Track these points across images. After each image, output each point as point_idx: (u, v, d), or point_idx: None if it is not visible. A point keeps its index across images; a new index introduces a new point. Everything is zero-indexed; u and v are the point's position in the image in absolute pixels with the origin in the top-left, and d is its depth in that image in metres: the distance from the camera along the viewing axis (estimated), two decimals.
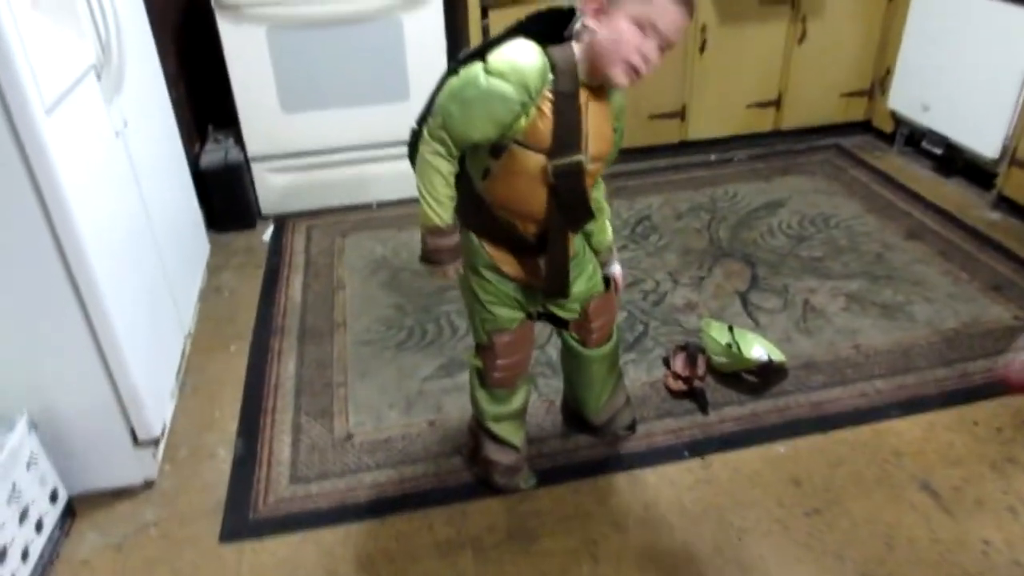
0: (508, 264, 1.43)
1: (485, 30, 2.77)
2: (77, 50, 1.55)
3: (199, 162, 2.74)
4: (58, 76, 1.41)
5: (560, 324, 1.61)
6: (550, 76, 1.22)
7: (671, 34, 1.17)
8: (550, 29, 1.26)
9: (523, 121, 1.23)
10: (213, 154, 2.78)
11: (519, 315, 1.49)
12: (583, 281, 1.52)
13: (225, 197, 2.78)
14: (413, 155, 1.34)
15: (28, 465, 1.53)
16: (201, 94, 3.00)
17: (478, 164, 1.33)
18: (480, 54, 1.24)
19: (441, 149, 1.27)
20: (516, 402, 1.59)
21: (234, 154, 2.78)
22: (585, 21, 1.21)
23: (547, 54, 1.23)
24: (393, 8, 2.64)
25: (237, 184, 2.78)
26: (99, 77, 1.65)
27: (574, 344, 1.63)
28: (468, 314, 1.54)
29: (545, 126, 1.24)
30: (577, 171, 1.28)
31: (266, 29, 2.61)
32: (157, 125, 2.13)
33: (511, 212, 1.36)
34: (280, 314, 2.34)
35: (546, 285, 1.42)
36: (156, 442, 1.75)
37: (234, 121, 2.82)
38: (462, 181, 1.35)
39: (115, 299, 1.55)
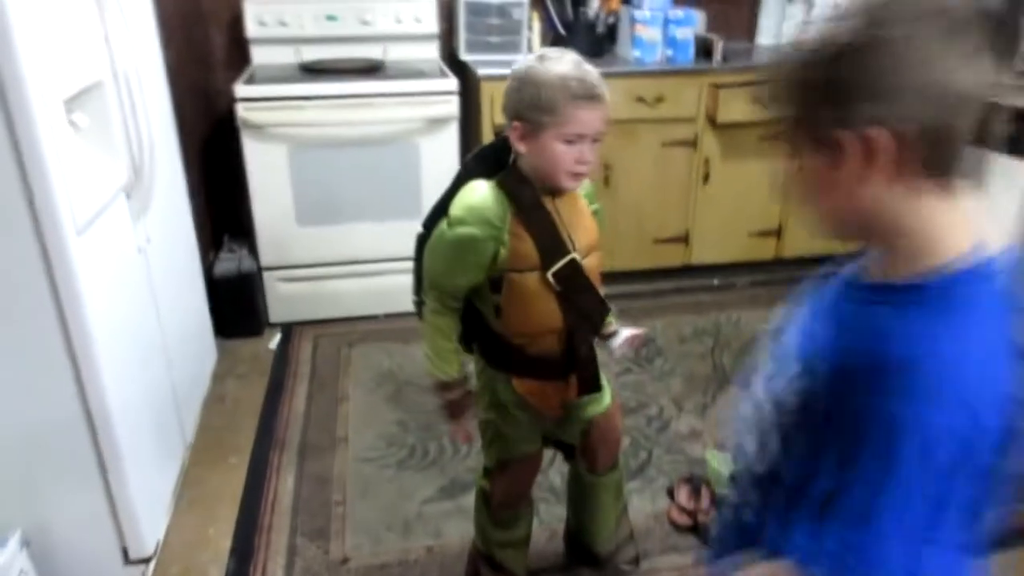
0: (537, 397, 1.43)
1: None
2: (111, 171, 1.62)
3: (212, 270, 2.80)
4: (91, 198, 1.47)
5: (569, 452, 1.61)
6: (507, 202, 1.28)
7: (596, 132, 1.25)
8: (499, 156, 1.34)
9: (503, 251, 1.29)
10: (227, 263, 2.84)
11: (537, 446, 1.51)
12: (588, 402, 1.52)
13: (235, 305, 2.82)
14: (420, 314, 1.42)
15: None
16: (219, 204, 3.10)
17: (486, 305, 1.37)
18: (443, 210, 1.33)
19: (438, 306, 1.35)
20: (520, 529, 1.59)
21: (247, 264, 2.85)
22: (515, 147, 1.28)
23: (500, 182, 1.30)
24: (412, 132, 2.77)
25: (248, 293, 2.83)
26: (128, 196, 1.72)
27: (583, 471, 1.62)
28: (482, 439, 1.54)
29: (526, 246, 1.29)
30: (574, 269, 1.32)
31: (288, 148, 2.73)
32: (178, 239, 2.19)
33: (532, 334, 1.37)
34: (282, 426, 2.33)
35: (579, 385, 1.44)
36: (147, 560, 1.71)
37: (249, 231, 2.91)
38: (481, 326, 1.40)
39: (122, 416, 1.55)
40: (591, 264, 1.36)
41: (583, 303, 1.36)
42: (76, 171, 1.40)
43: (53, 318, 1.40)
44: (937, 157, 0.67)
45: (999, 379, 0.66)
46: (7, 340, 1.40)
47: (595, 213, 1.42)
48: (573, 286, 1.33)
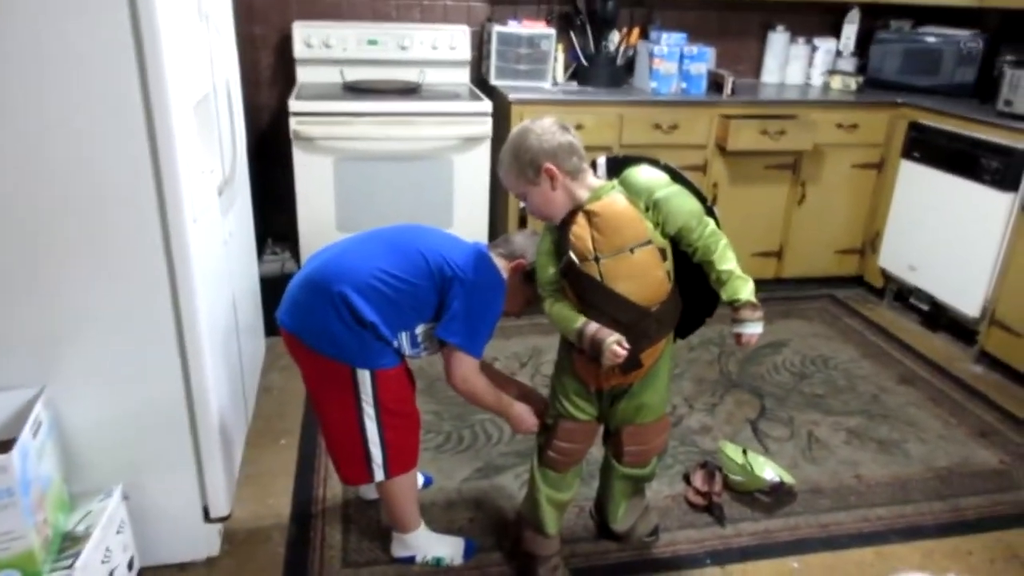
0: (584, 370, 1.69)
1: None
2: (213, 169, 1.84)
3: (258, 270, 3.01)
4: (202, 193, 1.69)
5: (607, 436, 1.85)
6: None
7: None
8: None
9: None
10: (271, 264, 3.06)
11: (583, 415, 1.74)
12: (628, 404, 1.74)
13: (277, 303, 3.01)
14: None
15: (118, 531, 1.68)
16: (262, 212, 3.32)
17: None
18: None
19: (547, 297, 1.67)
20: (564, 493, 1.80)
21: (289, 266, 3.06)
22: None
23: None
24: (447, 150, 3.01)
25: None
26: (220, 193, 1.93)
27: (608, 453, 1.87)
28: (549, 399, 1.81)
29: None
30: (568, 266, 1.57)
31: (333, 160, 2.96)
32: (244, 237, 2.40)
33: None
34: None
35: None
36: (223, 520, 1.90)
37: (289, 236, 3.12)
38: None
39: (215, 388, 1.75)
40: (616, 264, 1.54)
41: (591, 296, 1.58)
42: (195, 167, 1.61)
43: (167, 296, 1.61)
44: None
45: None
46: (125, 314, 1.59)
47: (655, 205, 1.55)
48: (576, 279, 1.59)
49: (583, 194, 1.57)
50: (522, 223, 3.21)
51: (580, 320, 1.60)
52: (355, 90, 3.16)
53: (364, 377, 1.67)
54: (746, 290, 1.56)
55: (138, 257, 1.57)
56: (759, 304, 1.57)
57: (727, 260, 1.57)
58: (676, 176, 1.61)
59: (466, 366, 1.69)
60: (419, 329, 1.71)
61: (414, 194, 3.06)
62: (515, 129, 1.59)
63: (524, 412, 1.82)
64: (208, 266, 1.77)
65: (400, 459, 1.78)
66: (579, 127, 3.02)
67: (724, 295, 1.58)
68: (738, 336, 1.58)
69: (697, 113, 3.23)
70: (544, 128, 1.55)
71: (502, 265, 1.75)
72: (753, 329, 1.57)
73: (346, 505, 2.10)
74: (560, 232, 1.60)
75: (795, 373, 2.88)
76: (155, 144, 1.49)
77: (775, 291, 3.59)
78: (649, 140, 3.16)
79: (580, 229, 1.56)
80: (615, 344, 1.54)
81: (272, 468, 2.26)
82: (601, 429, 1.84)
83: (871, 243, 3.57)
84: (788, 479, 2.15)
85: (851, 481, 2.26)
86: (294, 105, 2.89)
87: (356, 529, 2.01)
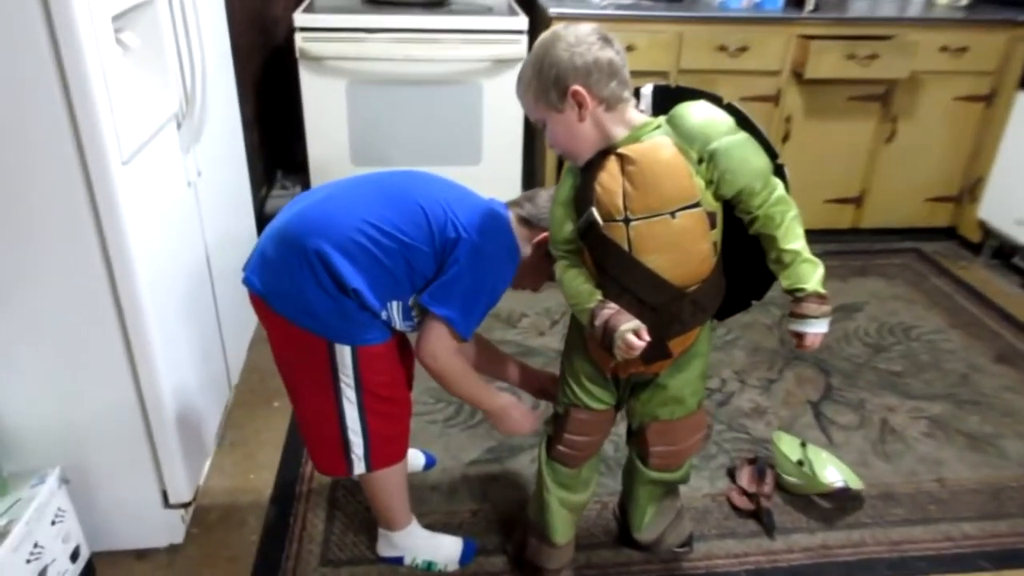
0: (598, 353, 1.36)
1: None
2: (161, 99, 1.53)
3: (264, 206, 2.73)
4: (139, 127, 1.38)
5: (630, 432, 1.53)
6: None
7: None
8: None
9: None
10: (279, 199, 2.78)
11: (598, 403, 1.43)
12: (653, 396, 1.42)
13: None
14: None
15: (53, 521, 1.45)
16: (273, 139, 3.01)
17: None
18: None
19: (560, 260, 1.32)
20: (578, 494, 1.51)
21: None
22: None
23: None
24: (476, 73, 2.63)
25: None
26: (179, 126, 1.62)
27: (632, 454, 1.56)
28: (558, 383, 1.49)
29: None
30: (589, 225, 1.23)
31: (346, 83, 2.62)
32: (229, 173, 2.10)
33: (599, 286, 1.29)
34: None
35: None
36: (186, 505, 1.67)
37: (302, 168, 2.82)
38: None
39: (167, 354, 1.49)
40: (650, 229, 1.19)
41: (613, 267, 1.24)
42: (124, 95, 1.30)
43: (96, 252, 1.33)
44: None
45: None
46: (48, 274, 1.33)
47: (711, 157, 1.18)
48: (597, 244, 1.24)
49: (619, 131, 1.20)
50: (561, 163, 2.82)
51: (595, 298, 1.25)
52: (373, 2, 2.77)
53: (344, 354, 1.37)
54: (814, 278, 1.20)
55: (58, 209, 1.29)
56: (827, 296, 1.20)
57: (794, 237, 1.20)
58: (742, 120, 1.21)
59: (443, 343, 1.36)
60: (413, 300, 1.39)
61: (438, 124, 2.70)
62: (543, 35, 1.20)
63: (512, 407, 1.51)
64: (156, 213, 1.48)
65: (384, 450, 1.49)
66: (630, 48, 2.59)
67: (785, 281, 1.22)
68: (799, 336, 1.22)
69: (771, 32, 2.74)
70: (579, 38, 1.16)
71: (522, 234, 1.41)
72: (818, 328, 1.21)
73: (334, 487, 1.84)
74: (584, 178, 1.24)
75: (869, 344, 2.48)
76: (62, 67, 1.18)
77: (851, 243, 3.14)
78: (712, 64, 2.71)
79: (609, 178, 1.20)
80: (630, 333, 1.18)
81: (259, 435, 2.02)
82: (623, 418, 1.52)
83: (970, 190, 3.06)
84: (855, 483, 1.80)
85: (931, 486, 1.89)
86: (300, 19, 2.53)
87: (342, 517, 1.76)
